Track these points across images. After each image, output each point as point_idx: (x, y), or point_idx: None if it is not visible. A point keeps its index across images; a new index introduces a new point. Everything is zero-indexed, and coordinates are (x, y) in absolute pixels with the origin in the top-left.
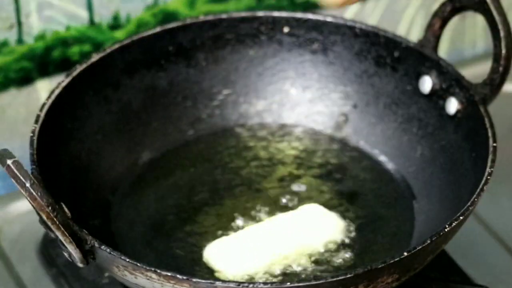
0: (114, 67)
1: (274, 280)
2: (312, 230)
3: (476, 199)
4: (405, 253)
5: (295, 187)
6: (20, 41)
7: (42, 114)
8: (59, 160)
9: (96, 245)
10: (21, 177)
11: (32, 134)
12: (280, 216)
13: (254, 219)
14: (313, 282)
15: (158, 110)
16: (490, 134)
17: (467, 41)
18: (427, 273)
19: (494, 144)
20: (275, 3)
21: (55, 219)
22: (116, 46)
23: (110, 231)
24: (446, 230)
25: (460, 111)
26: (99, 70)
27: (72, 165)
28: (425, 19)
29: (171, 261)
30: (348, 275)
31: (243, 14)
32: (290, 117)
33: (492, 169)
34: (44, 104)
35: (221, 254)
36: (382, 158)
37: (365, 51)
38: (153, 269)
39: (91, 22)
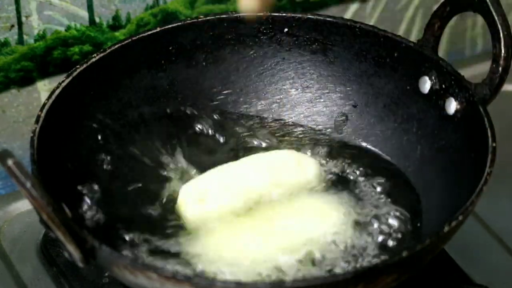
0: (114, 67)
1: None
2: (285, 169)
3: (475, 199)
4: (405, 253)
5: None
6: (20, 41)
7: (43, 114)
8: (60, 160)
9: (96, 245)
10: (22, 177)
11: (32, 134)
12: (256, 156)
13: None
14: (313, 283)
15: (158, 110)
16: (489, 134)
17: (467, 41)
18: (427, 273)
19: (494, 144)
20: (275, 3)
21: (55, 219)
22: (116, 46)
23: (111, 231)
24: (445, 230)
25: (459, 111)
26: (99, 70)
27: (73, 165)
28: (424, 19)
29: (171, 260)
30: (348, 275)
31: (243, 14)
32: (290, 117)
33: (491, 169)
34: (44, 104)
35: (197, 192)
36: (382, 158)
37: (364, 51)
38: (153, 269)
39: (91, 22)
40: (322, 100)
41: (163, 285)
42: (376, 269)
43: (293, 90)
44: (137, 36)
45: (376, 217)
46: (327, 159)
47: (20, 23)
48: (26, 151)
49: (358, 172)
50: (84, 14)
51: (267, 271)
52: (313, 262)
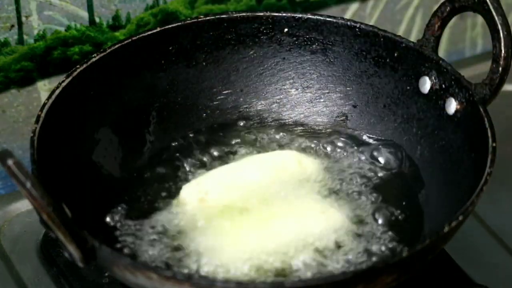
0: (114, 67)
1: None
2: (285, 169)
3: (475, 199)
4: (405, 253)
5: None
6: (20, 41)
7: (43, 114)
8: (60, 160)
9: (96, 245)
10: (22, 177)
11: (32, 134)
12: (256, 156)
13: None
14: (313, 283)
15: (158, 110)
16: (489, 134)
17: (467, 41)
18: (427, 273)
19: (494, 144)
20: (275, 3)
21: (55, 219)
22: (116, 46)
23: (111, 231)
24: (445, 230)
25: (459, 111)
26: (99, 70)
27: (73, 165)
28: (424, 19)
29: (171, 259)
30: (348, 275)
31: (243, 14)
32: (290, 117)
33: (491, 169)
34: (44, 104)
35: (198, 192)
36: (382, 158)
37: (365, 51)
38: (153, 269)
39: (91, 22)
40: (322, 100)
41: (163, 285)
42: (376, 269)
43: (293, 90)
44: (137, 36)
45: (376, 217)
46: (327, 159)
47: (20, 23)
48: (26, 151)
49: (357, 173)
50: (84, 14)
51: (266, 270)
52: (313, 262)
